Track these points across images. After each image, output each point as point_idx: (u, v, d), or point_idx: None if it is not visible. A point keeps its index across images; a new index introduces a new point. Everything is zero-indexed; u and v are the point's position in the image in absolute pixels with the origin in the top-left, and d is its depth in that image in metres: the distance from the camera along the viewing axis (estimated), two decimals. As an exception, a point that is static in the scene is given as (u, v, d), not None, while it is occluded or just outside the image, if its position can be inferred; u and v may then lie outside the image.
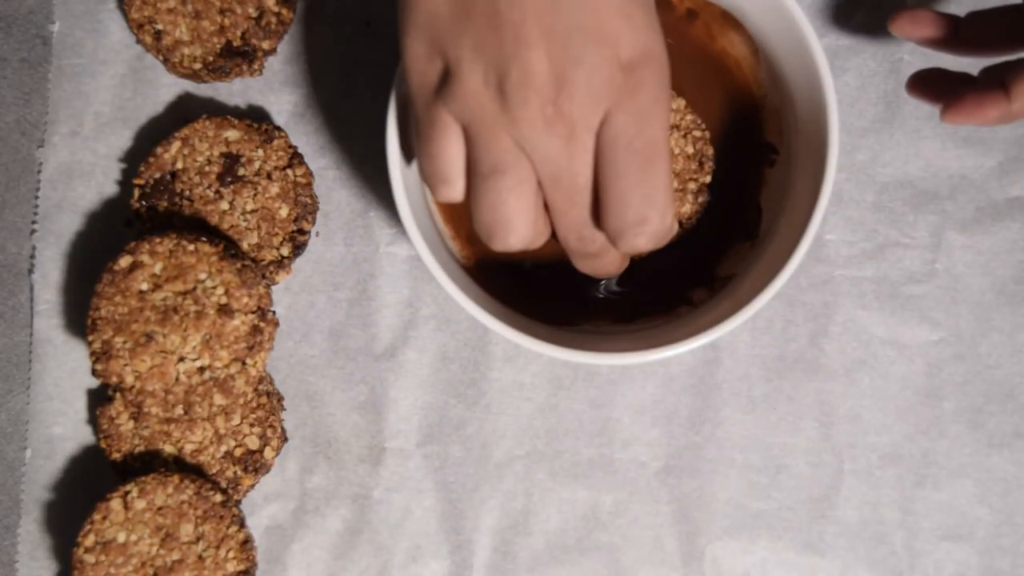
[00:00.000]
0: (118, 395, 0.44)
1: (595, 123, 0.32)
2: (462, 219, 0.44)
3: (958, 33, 0.40)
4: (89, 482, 0.45)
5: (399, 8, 0.34)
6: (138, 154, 0.48)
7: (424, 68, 0.33)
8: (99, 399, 0.46)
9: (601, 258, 0.35)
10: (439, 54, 0.33)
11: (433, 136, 0.33)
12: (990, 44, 0.40)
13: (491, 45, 0.31)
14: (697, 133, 0.42)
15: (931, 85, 0.41)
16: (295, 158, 0.46)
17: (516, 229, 0.33)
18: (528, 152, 0.32)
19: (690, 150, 0.42)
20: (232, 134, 0.45)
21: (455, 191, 0.34)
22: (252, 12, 0.46)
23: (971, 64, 0.42)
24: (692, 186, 0.42)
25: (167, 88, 0.48)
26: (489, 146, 0.32)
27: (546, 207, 0.34)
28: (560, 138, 0.32)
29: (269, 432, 0.44)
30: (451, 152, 0.33)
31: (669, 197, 0.33)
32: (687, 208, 0.43)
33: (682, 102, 0.43)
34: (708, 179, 0.42)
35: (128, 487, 0.42)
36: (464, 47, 0.32)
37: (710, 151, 0.42)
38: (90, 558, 0.42)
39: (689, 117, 0.42)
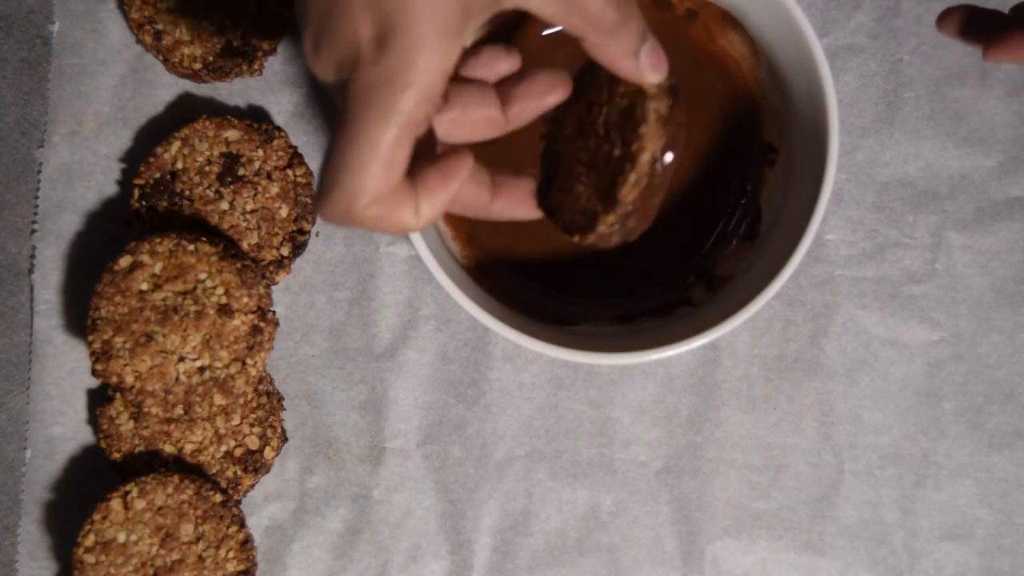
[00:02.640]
0: (118, 395, 0.44)
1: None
2: (462, 219, 0.44)
3: None
4: (89, 482, 0.45)
5: None
6: (138, 154, 0.48)
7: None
8: (99, 399, 0.46)
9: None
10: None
11: None
12: None
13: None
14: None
15: (965, 23, 0.40)
16: (295, 158, 0.46)
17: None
18: None
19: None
20: (232, 134, 0.45)
21: None
22: (252, 12, 0.46)
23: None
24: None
25: (167, 88, 0.48)
26: None
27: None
28: None
29: (269, 432, 0.44)
30: None
31: None
32: None
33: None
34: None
35: (128, 487, 0.42)
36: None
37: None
38: (90, 558, 0.42)
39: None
